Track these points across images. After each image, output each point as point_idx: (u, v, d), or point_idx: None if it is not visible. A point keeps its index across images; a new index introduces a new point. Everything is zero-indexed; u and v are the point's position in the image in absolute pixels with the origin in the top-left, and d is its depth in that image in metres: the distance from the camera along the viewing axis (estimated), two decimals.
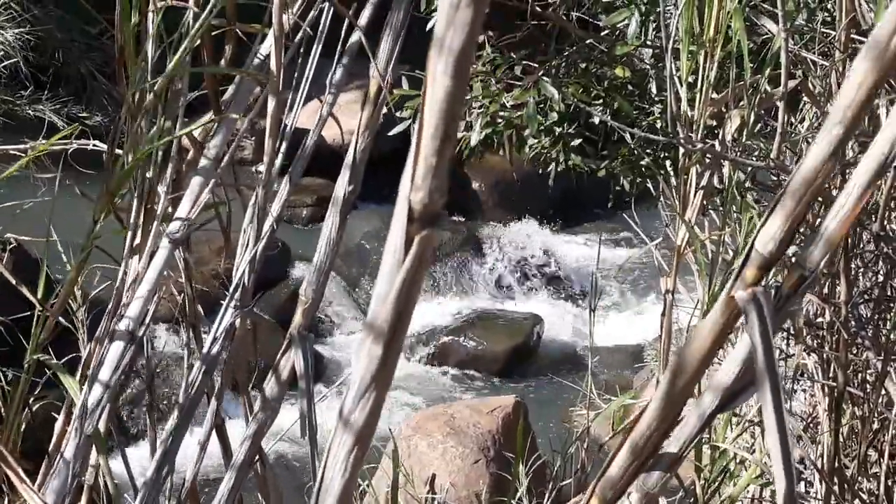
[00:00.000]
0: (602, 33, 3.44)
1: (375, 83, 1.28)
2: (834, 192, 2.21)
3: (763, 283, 0.65)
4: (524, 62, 3.48)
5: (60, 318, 1.42)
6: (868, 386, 2.50)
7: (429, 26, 3.24)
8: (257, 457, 1.36)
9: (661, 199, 2.35)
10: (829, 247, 0.66)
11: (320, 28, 1.34)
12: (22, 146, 1.49)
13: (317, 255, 1.29)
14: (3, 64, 6.57)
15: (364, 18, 1.32)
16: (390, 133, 3.45)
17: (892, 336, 2.36)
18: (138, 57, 1.31)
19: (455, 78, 0.50)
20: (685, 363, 0.68)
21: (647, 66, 3.11)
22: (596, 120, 3.21)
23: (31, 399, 1.48)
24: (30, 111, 6.62)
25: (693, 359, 0.68)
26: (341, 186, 1.27)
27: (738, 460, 2.10)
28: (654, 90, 3.15)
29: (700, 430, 0.74)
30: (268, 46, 1.36)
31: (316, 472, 1.22)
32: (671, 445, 0.75)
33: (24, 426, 1.45)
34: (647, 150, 3.07)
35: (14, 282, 1.40)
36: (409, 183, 0.53)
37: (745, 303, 0.65)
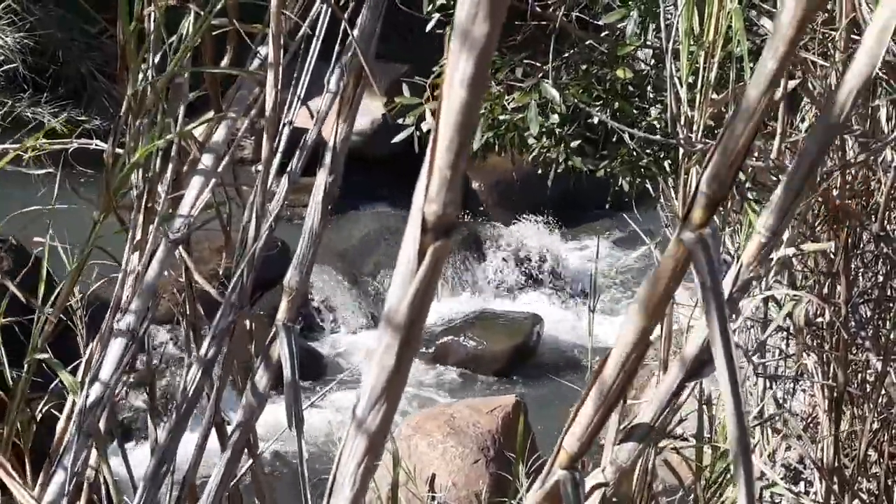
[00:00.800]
0: (602, 34, 3.43)
1: (353, 73, 1.28)
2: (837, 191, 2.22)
3: (711, 224, 0.65)
4: (525, 63, 3.48)
5: (62, 316, 1.42)
6: (868, 386, 2.50)
7: (428, 27, 3.24)
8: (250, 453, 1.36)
9: (661, 199, 2.35)
10: (786, 209, 0.66)
11: (318, 27, 1.34)
12: (24, 145, 1.50)
13: (299, 246, 1.29)
14: (2, 68, 6.58)
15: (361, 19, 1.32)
16: (393, 141, 3.45)
17: (891, 336, 2.36)
18: (139, 56, 1.31)
19: (471, 91, 0.50)
20: (639, 311, 0.68)
21: (647, 67, 3.12)
22: (596, 120, 3.21)
23: (32, 399, 1.48)
24: (29, 113, 6.62)
25: (646, 305, 0.68)
26: (322, 177, 1.27)
27: None
28: (653, 91, 3.15)
29: (670, 399, 0.74)
30: (268, 46, 1.36)
31: (303, 464, 1.22)
32: (644, 415, 0.75)
33: (31, 426, 1.45)
34: (647, 151, 3.07)
35: (10, 285, 1.40)
36: (423, 194, 0.53)
37: (692, 244, 0.64)
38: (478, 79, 0.50)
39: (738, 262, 0.72)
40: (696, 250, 0.64)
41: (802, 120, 2.42)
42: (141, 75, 1.32)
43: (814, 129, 0.65)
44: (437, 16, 3.21)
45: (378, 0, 1.26)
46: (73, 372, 1.36)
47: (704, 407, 2.14)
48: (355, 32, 1.28)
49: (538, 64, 3.36)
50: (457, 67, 0.50)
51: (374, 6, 1.27)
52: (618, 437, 0.78)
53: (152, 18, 1.31)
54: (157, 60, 1.33)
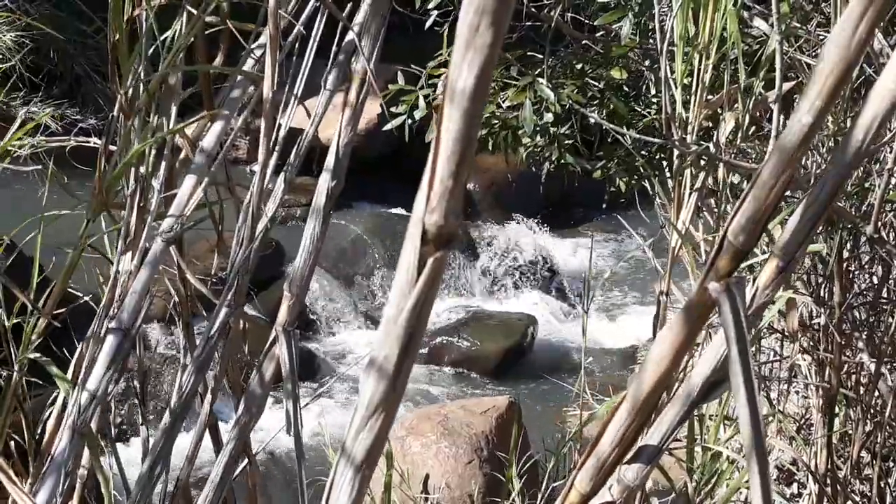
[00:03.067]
0: (597, 34, 3.44)
1: (358, 78, 1.27)
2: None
3: (736, 273, 0.65)
4: (520, 62, 3.48)
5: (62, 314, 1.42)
6: (861, 388, 2.51)
7: (426, 25, 3.24)
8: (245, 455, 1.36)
9: (657, 200, 2.35)
10: (805, 234, 0.66)
11: (315, 27, 1.34)
12: (18, 142, 1.49)
13: (300, 251, 1.29)
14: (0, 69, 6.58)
15: (360, 17, 1.31)
16: (385, 128, 3.44)
17: (885, 338, 2.37)
18: (131, 55, 1.31)
19: (473, 100, 0.50)
20: (661, 355, 0.68)
21: (643, 68, 3.12)
22: (591, 121, 3.21)
23: (24, 398, 1.47)
24: (23, 112, 6.61)
25: (668, 350, 0.68)
26: (324, 182, 1.27)
27: (730, 462, 2.10)
28: (648, 91, 3.16)
29: (680, 422, 0.74)
30: (262, 45, 1.35)
31: (302, 468, 1.22)
32: (652, 438, 0.75)
33: (24, 425, 1.44)
34: (643, 152, 3.07)
35: (3, 281, 1.40)
36: (423, 204, 0.52)
37: (719, 294, 0.64)
38: (480, 88, 0.49)
39: (753, 284, 0.72)
40: (723, 301, 0.64)
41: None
42: (133, 73, 1.31)
43: (834, 155, 0.64)
44: (434, 14, 3.21)
45: (381, 3, 1.26)
46: (66, 371, 1.35)
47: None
48: (362, 40, 1.27)
49: (536, 56, 3.36)
50: (459, 76, 0.49)
51: (377, 8, 1.26)
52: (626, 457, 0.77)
53: (144, 17, 1.31)
54: (148, 59, 1.32)
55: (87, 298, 1.62)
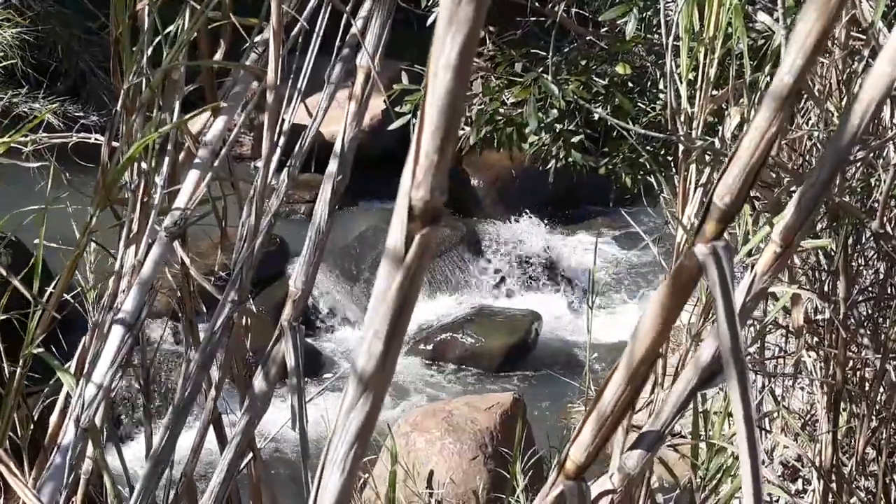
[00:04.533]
0: (602, 30, 3.43)
1: (363, 73, 1.27)
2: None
3: (723, 237, 0.65)
4: (525, 59, 3.47)
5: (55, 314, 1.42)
6: (867, 384, 2.50)
7: (429, 22, 3.24)
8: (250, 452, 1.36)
9: (662, 196, 2.34)
10: (803, 219, 0.66)
11: (319, 21, 1.34)
12: (22, 139, 1.49)
13: (306, 246, 1.28)
14: (1, 64, 6.59)
15: (363, 11, 1.31)
16: (390, 128, 3.45)
17: (890, 334, 2.36)
18: (134, 50, 1.31)
19: (456, 74, 0.50)
20: (649, 323, 0.68)
21: (648, 64, 3.11)
22: (596, 117, 3.21)
23: (29, 394, 1.47)
24: (26, 109, 6.63)
25: (656, 318, 0.68)
26: (330, 177, 1.27)
27: (735, 457, 2.09)
28: (653, 86, 3.15)
29: (681, 408, 0.73)
30: (265, 40, 1.35)
31: (307, 465, 1.22)
32: (653, 425, 0.75)
33: (28, 421, 1.44)
34: (648, 148, 3.07)
35: (6, 274, 1.40)
36: (409, 180, 0.52)
37: (706, 257, 0.64)
38: (463, 62, 0.49)
39: (752, 270, 0.72)
40: (709, 263, 0.64)
41: (802, 119, 2.42)
42: (136, 69, 1.31)
43: (832, 139, 0.64)
44: (436, 11, 3.21)
45: (386, 11, 1.26)
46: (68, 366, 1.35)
47: (700, 403, 2.14)
48: (366, 34, 1.27)
49: (540, 53, 3.36)
50: (442, 51, 0.49)
51: (384, 6, 1.26)
52: (626, 444, 0.77)
53: (146, 13, 1.31)
54: (151, 55, 1.32)
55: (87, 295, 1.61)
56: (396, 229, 0.53)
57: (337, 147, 1.27)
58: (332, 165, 1.27)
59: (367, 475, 3.62)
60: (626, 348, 0.70)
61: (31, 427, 1.45)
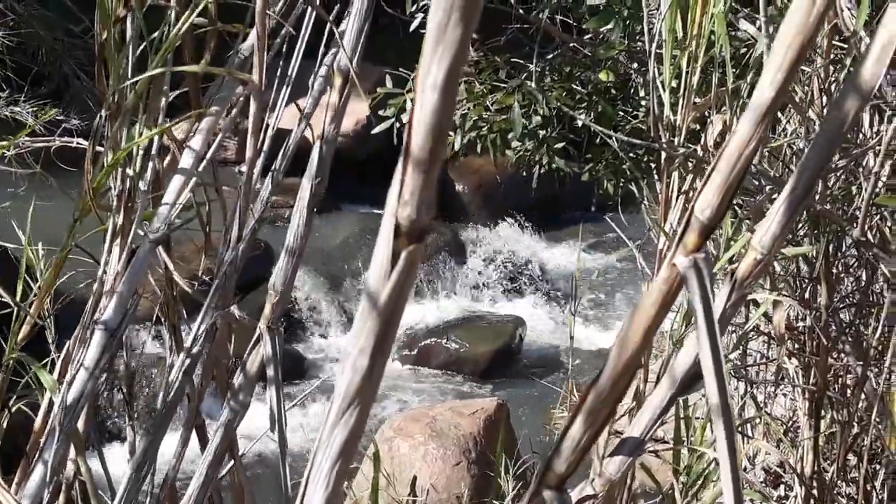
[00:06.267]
0: (586, 37, 3.44)
1: (341, 75, 1.27)
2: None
3: (703, 249, 0.65)
4: (508, 66, 3.48)
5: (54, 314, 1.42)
6: (848, 390, 2.51)
7: (412, 27, 3.24)
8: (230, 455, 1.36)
9: (644, 202, 2.35)
10: (784, 226, 0.66)
11: (303, 27, 1.34)
12: (3, 143, 1.49)
13: (284, 249, 1.29)
14: None
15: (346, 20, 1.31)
16: (373, 132, 3.45)
17: (872, 341, 2.37)
18: (119, 55, 1.31)
19: (443, 94, 0.50)
20: (631, 333, 0.68)
21: (631, 71, 3.12)
22: (579, 123, 3.22)
23: (10, 399, 1.47)
24: (7, 112, 6.60)
25: (638, 328, 0.68)
26: (308, 178, 1.27)
27: (717, 463, 2.10)
28: (636, 93, 3.17)
29: (661, 413, 0.74)
30: (249, 46, 1.35)
31: (285, 467, 1.22)
32: (634, 430, 0.75)
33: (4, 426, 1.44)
34: (631, 154, 3.08)
35: None
36: (396, 197, 0.52)
37: (686, 269, 0.65)
38: (450, 83, 0.50)
39: (731, 278, 0.72)
40: (690, 276, 0.65)
41: (784, 128, 2.43)
42: (121, 73, 1.31)
43: (813, 143, 0.65)
44: (420, 16, 3.21)
45: (366, 2, 1.26)
46: (50, 371, 1.35)
47: (682, 409, 2.14)
48: (344, 38, 1.27)
49: (523, 63, 3.36)
50: (429, 72, 0.50)
51: (362, 8, 1.26)
52: (607, 450, 0.77)
53: (130, 19, 1.30)
54: (135, 60, 1.32)
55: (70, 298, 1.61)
56: (383, 246, 0.54)
57: (315, 149, 1.28)
58: (311, 167, 1.27)
59: (346, 485, 3.62)
60: (608, 356, 0.70)
61: (16, 432, 1.45)
